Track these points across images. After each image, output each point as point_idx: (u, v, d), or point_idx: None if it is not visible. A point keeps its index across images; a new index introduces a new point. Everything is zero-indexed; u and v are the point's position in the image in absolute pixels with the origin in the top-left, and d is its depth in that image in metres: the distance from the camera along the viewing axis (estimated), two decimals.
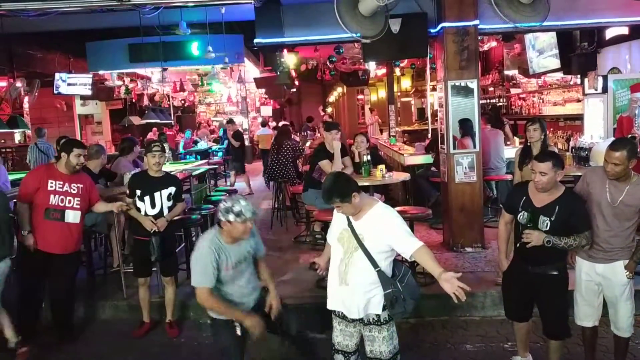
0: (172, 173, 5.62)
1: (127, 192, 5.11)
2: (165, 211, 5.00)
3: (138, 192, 4.97)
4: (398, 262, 3.47)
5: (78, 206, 4.86)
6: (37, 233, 4.74)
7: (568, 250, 3.70)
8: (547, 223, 3.57)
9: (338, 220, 3.45)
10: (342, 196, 3.21)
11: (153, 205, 4.96)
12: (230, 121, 13.27)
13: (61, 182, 4.77)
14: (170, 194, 5.02)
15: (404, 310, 3.29)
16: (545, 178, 3.54)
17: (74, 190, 4.82)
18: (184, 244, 6.32)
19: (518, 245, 3.79)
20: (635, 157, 3.58)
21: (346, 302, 3.35)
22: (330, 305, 3.46)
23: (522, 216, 3.68)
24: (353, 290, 3.29)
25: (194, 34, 10.04)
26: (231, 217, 3.34)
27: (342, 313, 3.43)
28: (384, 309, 3.31)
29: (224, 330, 3.55)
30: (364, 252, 3.25)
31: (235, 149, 12.27)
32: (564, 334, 3.84)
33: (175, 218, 5.22)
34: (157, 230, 4.89)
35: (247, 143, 19.31)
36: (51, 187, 4.73)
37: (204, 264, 3.39)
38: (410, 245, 3.19)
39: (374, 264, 3.25)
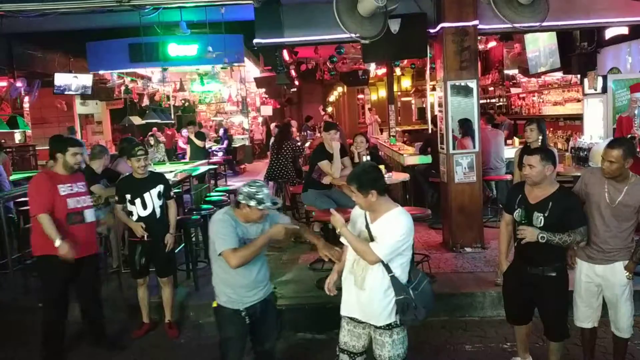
0: (158, 171, 5.66)
1: (117, 198, 5.11)
2: (158, 211, 5.02)
3: (128, 196, 4.98)
4: (415, 268, 3.43)
5: (91, 203, 4.83)
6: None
7: (564, 247, 3.68)
8: (541, 219, 3.59)
9: (357, 221, 3.41)
10: (360, 185, 3.20)
11: (145, 207, 4.98)
12: (191, 123, 13.40)
13: (69, 184, 4.61)
14: (159, 192, 5.05)
15: (415, 318, 3.26)
16: (534, 171, 3.59)
17: (81, 188, 4.71)
18: (183, 244, 6.33)
19: (516, 244, 3.81)
20: (632, 156, 3.60)
21: (365, 309, 3.30)
22: (344, 311, 3.42)
23: (518, 213, 3.72)
24: (370, 296, 3.25)
25: (194, 34, 10.04)
26: (252, 202, 3.36)
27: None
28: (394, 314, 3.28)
29: (230, 320, 3.54)
30: None
31: (199, 149, 12.49)
32: (563, 335, 3.85)
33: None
34: (145, 238, 4.93)
35: (247, 143, 19.52)
36: (63, 192, 4.54)
37: (224, 228, 3.40)
38: (376, 248, 3.17)
39: (388, 269, 3.21)
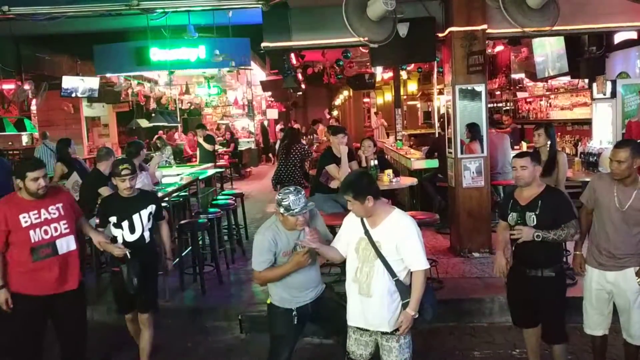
0: (146, 190, 5.07)
1: (97, 220, 4.41)
2: (146, 235, 4.36)
3: (113, 218, 4.25)
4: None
5: (67, 230, 3.86)
6: (29, 278, 3.75)
7: (560, 243, 3.74)
8: (533, 217, 3.68)
9: (352, 229, 3.42)
10: (356, 193, 3.22)
11: (132, 230, 4.27)
12: (200, 126, 13.43)
13: (35, 212, 3.72)
14: (150, 213, 4.37)
15: (424, 319, 3.30)
16: (526, 172, 3.71)
17: (54, 214, 3.80)
18: (190, 248, 6.33)
19: (514, 248, 3.84)
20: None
21: (370, 317, 3.30)
22: (351, 322, 3.42)
23: (511, 217, 3.81)
24: (379, 302, 3.25)
25: (202, 37, 10.06)
26: (282, 210, 3.44)
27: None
28: None
29: (282, 318, 3.65)
30: (382, 261, 3.23)
31: (208, 152, 12.54)
32: (560, 339, 3.83)
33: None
34: (128, 256, 4.11)
35: (253, 146, 19.55)
36: (26, 222, 3.69)
37: (259, 249, 3.56)
38: (415, 263, 3.25)
39: (392, 273, 3.23)
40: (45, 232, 3.74)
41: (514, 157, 3.90)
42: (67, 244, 3.84)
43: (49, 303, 3.81)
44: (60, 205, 3.86)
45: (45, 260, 3.75)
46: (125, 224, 4.26)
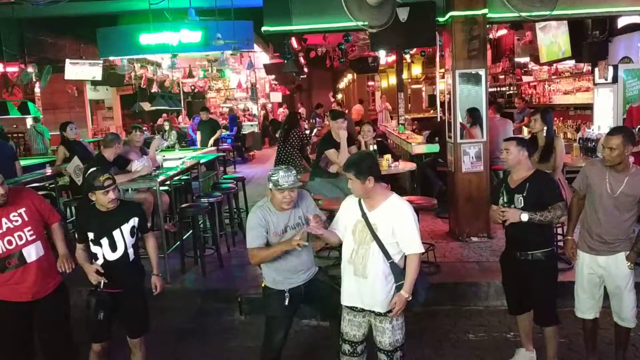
0: (130, 200, 4.77)
1: (77, 236, 3.88)
2: (130, 252, 3.80)
3: (91, 234, 3.72)
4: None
5: (33, 236, 3.60)
6: (2, 289, 3.57)
7: (547, 224, 3.77)
8: (521, 199, 3.75)
9: (350, 212, 3.48)
10: (358, 172, 3.29)
11: (114, 248, 3.72)
12: (204, 109, 13.42)
13: None
14: (133, 227, 3.80)
15: (415, 301, 3.38)
16: (510, 155, 3.81)
17: (16, 221, 3.55)
18: (191, 231, 6.40)
19: (505, 231, 3.94)
20: (632, 143, 3.65)
21: (366, 298, 3.37)
22: (345, 301, 3.49)
23: (502, 200, 3.87)
24: (373, 283, 3.32)
25: (203, 20, 10.05)
26: (270, 185, 3.51)
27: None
28: None
29: (274, 299, 3.72)
30: (378, 244, 3.30)
31: (210, 136, 12.48)
32: (551, 322, 3.89)
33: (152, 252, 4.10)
34: (101, 286, 3.66)
35: (256, 130, 19.55)
36: None
37: (251, 227, 3.61)
38: (410, 246, 3.31)
39: (387, 256, 3.30)
40: (9, 242, 3.52)
41: (503, 141, 3.97)
42: (35, 251, 3.61)
43: (28, 309, 3.64)
44: (22, 210, 3.60)
45: (16, 270, 3.55)
46: (104, 241, 3.72)
